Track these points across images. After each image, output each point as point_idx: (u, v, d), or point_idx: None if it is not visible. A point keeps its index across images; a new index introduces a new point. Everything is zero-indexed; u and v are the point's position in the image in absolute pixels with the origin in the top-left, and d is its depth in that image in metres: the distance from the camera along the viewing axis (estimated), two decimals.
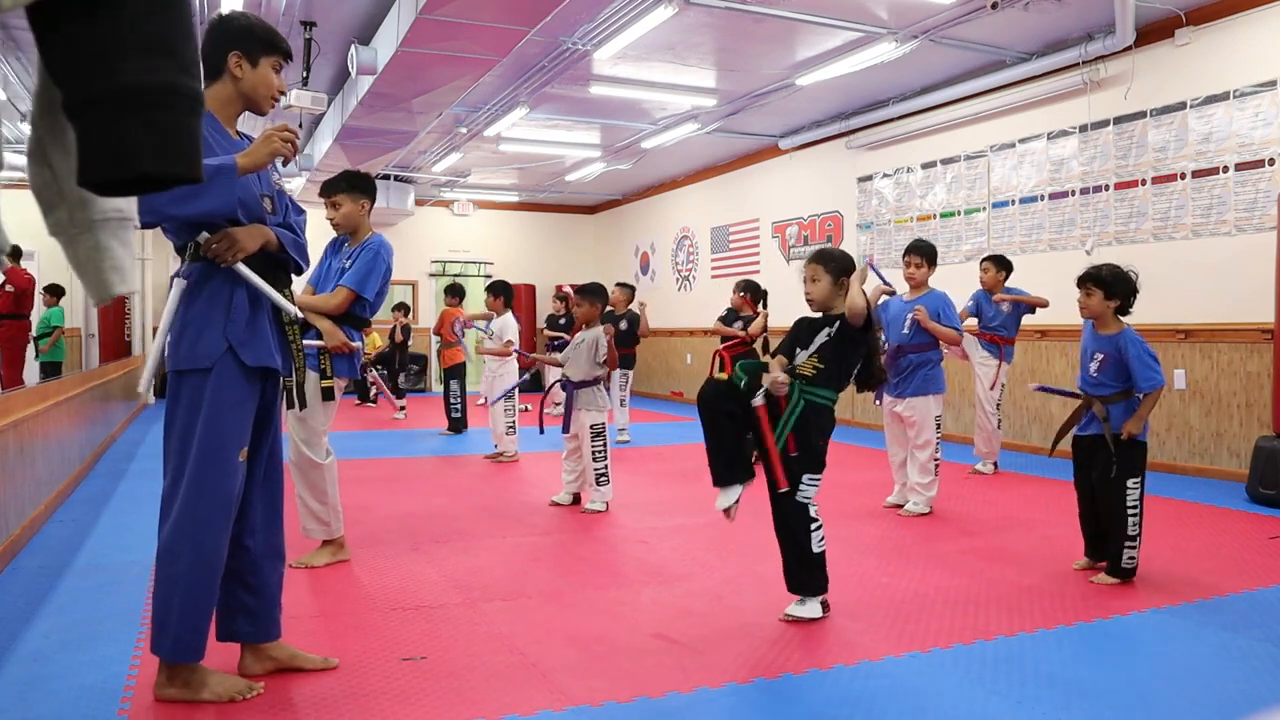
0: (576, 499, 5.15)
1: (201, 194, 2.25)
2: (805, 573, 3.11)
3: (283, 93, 2.57)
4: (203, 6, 6.12)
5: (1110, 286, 3.59)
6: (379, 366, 11.26)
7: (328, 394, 3.68)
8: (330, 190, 3.91)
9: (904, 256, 5.08)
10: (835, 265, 3.21)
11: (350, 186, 3.90)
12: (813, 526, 3.10)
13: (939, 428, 4.89)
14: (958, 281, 6.94)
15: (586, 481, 5.02)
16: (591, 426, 4.96)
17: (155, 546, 2.39)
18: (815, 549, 3.10)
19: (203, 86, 1.07)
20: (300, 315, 2.63)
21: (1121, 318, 3.65)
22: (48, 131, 1.12)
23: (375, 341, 11.44)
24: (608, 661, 2.72)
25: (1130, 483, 3.52)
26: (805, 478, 3.09)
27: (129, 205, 1.25)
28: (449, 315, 8.69)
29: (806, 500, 3.10)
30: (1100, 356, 3.61)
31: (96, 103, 0.98)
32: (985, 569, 3.79)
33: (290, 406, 2.76)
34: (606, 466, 5.00)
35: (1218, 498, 5.39)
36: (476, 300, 12.84)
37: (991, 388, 6.18)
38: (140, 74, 0.98)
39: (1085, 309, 3.67)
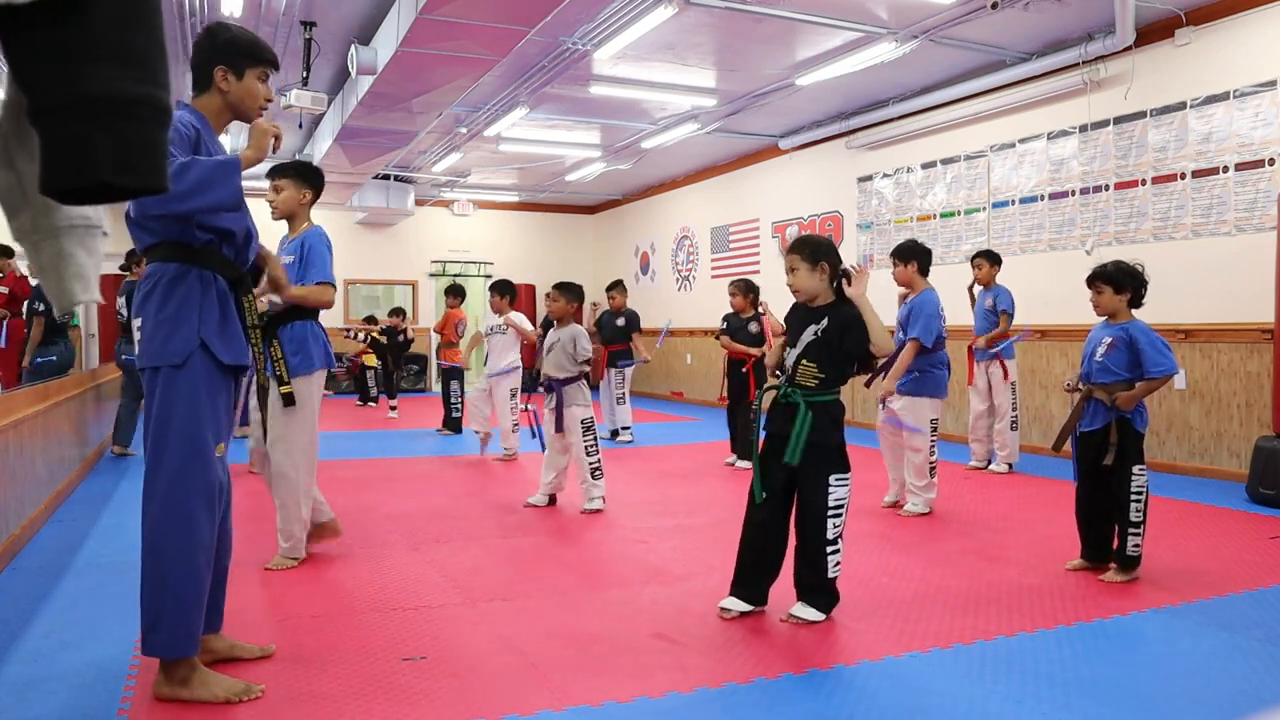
0: (553, 500, 5.14)
1: (212, 186, 2.32)
2: (817, 590, 3.10)
3: (269, 100, 2.62)
4: (202, 8, 6.12)
5: (1117, 281, 3.66)
6: (372, 366, 11.33)
7: (288, 399, 3.58)
8: (277, 174, 3.84)
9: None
10: (810, 250, 3.16)
11: (298, 174, 3.84)
12: (829, 551, 3.07)
13: (934, 430, 4.88)
14: (958, 281, 6.94)
15: (580, 478, 5.00)
16: (581, 421, 4.93)
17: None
18: (830, 573, 3.09)
19: (171, 98, 1.05)
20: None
21: (1137, 311, 3.71)
22: (14, 136, 1.11)
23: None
24: (608, 661, 2.72)
25: (1136, 469, 3.56)
26: (833, 479, 3.07)
27: (95, 213, 1.23)
28: (452, 316, 8.72)
29: (839, 506, 3.08)
30: (1109, 340, 3.64)
31: (61, 109, 0.97)
32: (985, 569, 3.79)
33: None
34: (600, 460, 4.99)
35: (1218, 498, 5.39)
36: (477, 300, 12.85)
37: (1006, 380, 6.20)
38: (106, 82, 0.97)
39: (1098, 307, 3.74)
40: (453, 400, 8.55)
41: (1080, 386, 3.73)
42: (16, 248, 8.25)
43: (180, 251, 2.44)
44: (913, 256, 4.97)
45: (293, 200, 3.82)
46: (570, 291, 5.18)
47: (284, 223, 3.91)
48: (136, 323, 2.45)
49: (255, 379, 2.97)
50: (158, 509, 2.35)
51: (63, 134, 0.98)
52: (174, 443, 2.36)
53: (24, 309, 7.34)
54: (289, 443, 3.73)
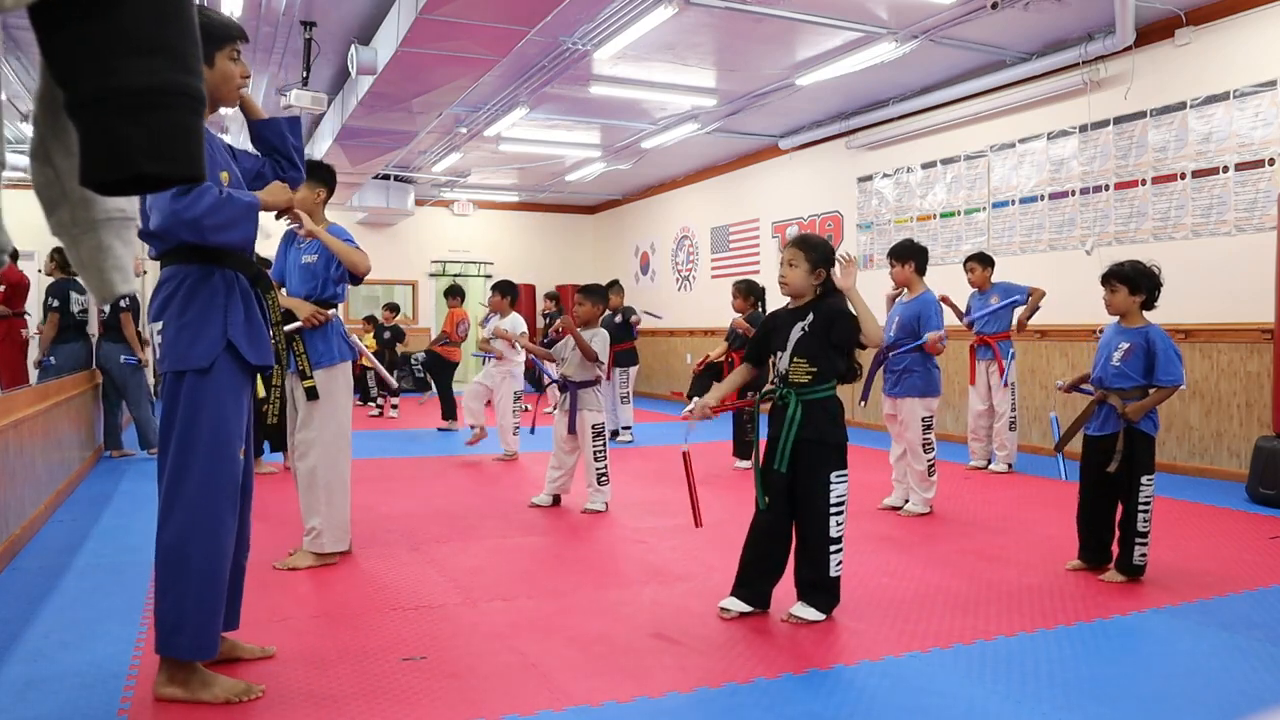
0: (557, 500, 5.15)
1: (240, 225, 2.44)
2: (818, 590, 3.10)
3: (246, 77, 2.56)
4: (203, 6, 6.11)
5: (1133, 282, 3.64)
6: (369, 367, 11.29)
7: (311, 393, 3.66)
8: None
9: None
10: (815, 254, 3.17)
11: (309, 173, 3.75)
12: (832, 549, 3.07)
13: (929, 429, 4.88)
14: (958, 282, 6.94)
15: (587, 481, 5.02)
16: (592, 426, 4.97)
17: (155, 547, 2.39)
18: (832, 572, 3.08)
19: (204, 86, 1.07)
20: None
21: (1146, 313, 3.68)
22: (50, 131, 1.12)
23: (370, 342, 11.44)
24: (608, 661, 2.72)
25: (1144, 479, 3.55)
26: (833, 476, 3.07)
27: (131, 205, 1.25)
28: (455, 315, 8.78)
29: (840, 503, 3.08)
30: (1126, 346, 3.61)
31: (97, 103, 0.98)
32: (985, 569, 3.79)
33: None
34: (606, 466, 5.01)
35: (1218, 498, 5.39)
36: (478, 301, 12.84)
37: (1005, 387, 6.19)
38: (141, 74, 0.98)
39: (1110, 306, 3.71)
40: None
41: (1093, 390, 3.70)
42: (24, 247, 8.24)
43: (201, 253, 2.44)
44: (911, 256, 4.98)
45: (308, 200, 3.80)
46: (594, 294, 5.21)
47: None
48: (156, 326, 2.43)
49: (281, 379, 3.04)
50: (186, 513, 2.35)
51: (101, 126, 0.99)
52: (201, 447, 2.37)
53: (31, 306, 7.32)
54: (320, 437, 3.73)
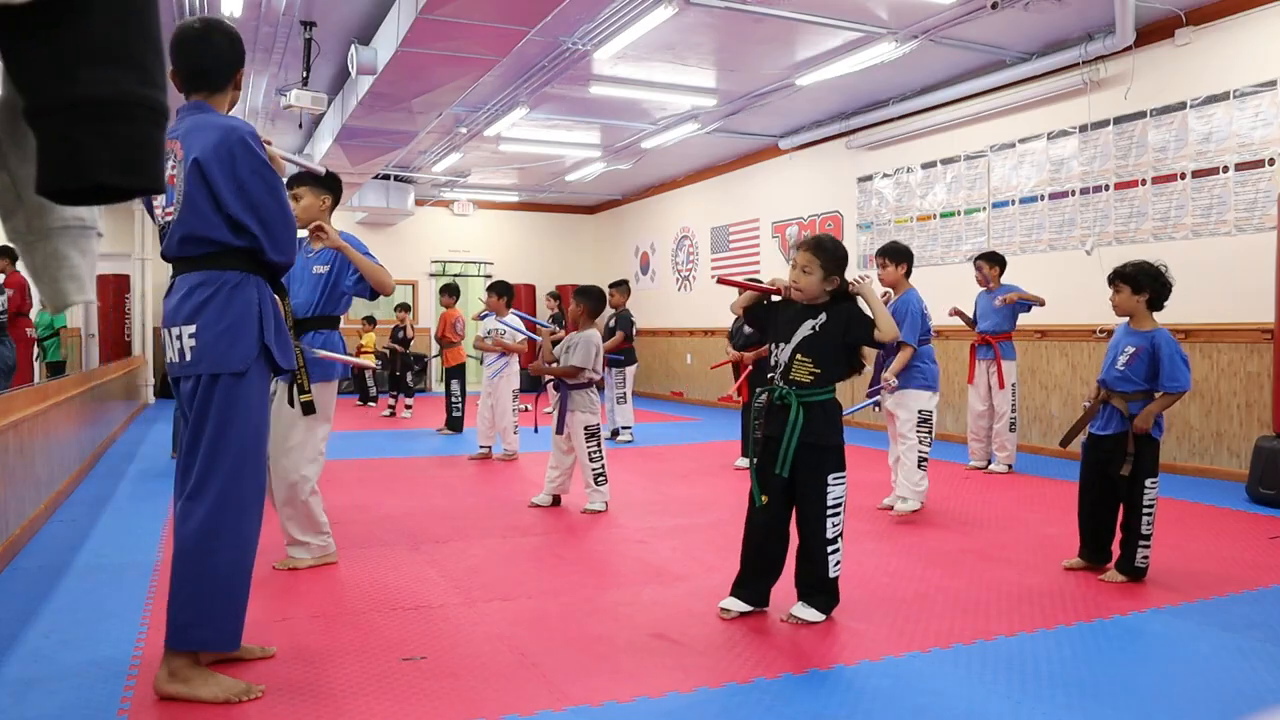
0: (557, 500, 5.15)
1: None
2: (817, 590, 3.10)
3: None
4: (202, 8, 6.12)
5: (1135, 281, 3.61)
6: (379, 365, 11.25)
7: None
8: (294, 183, 3.79)
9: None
10: (829, 260, 3.12)
11: (314, 180, 3.78)
12: (830, 550, 3.07)
13: (925, 422, 4.87)
14: (958, 281, 6.94)
15: (585, 482, 5.02)
16: (586, 428, 4.96)
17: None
18: (831, 573, 3.08)
19: (167, 98, 1.06)
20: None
21: (1155, 314, 3.65)
22: (9, 137, 1.11)
23: (372, 340, 11.43)
24: (608, 661, 2.72)
25: (1149, 482, 3.54)
26: (830, 478, 3.07)
27: (89, 214, 1.23)
28: (448, 316, 8.74)
29: (838, 504, 3.08)
30: (1131, 350, 3.59)
31: (56, 111, 0.97)
32: (985, 569, 3.79)
33: (307, 414, 3.07)
34: (603, 466, 5.00)
35: (1218, 498, 5.39)
36: (473, 300, 12.84)
37: (1001, 388, 6.18)
38: (102, 84, 0.97)
39: (1116, 307, 3.69)
40: (453, 399, 8.57)
41: (1100, 392, 3.69)
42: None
43: (238, 259, 2.48)
44: (903, 258, 5.00)
45: (314, 207, 3.76)
46: (587, 297, 5.19)
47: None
48: (189, 329, 2.44)
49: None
50: (214, 506, 2.40)
51: (59, 135, 0.98)
52: (234, 446, 2.44)
53: None
54: (305, 450, 3.68)
